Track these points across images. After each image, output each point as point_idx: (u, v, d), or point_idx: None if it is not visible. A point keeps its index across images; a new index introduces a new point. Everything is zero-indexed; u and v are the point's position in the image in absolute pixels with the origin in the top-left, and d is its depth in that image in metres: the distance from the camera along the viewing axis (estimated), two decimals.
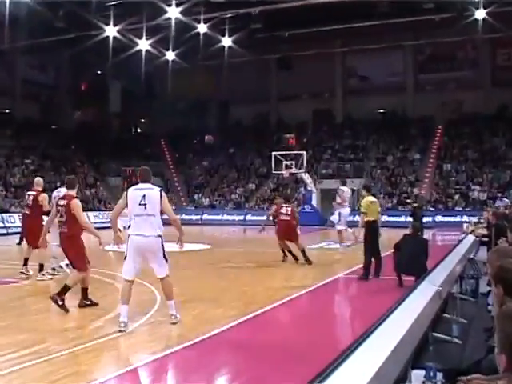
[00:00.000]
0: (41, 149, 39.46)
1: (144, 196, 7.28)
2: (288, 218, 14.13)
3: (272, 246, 15.23)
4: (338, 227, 17.52)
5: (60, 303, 8.14)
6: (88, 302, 8.59)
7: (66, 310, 8.17)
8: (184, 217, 36.86)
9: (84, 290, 8.65)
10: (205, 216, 36.67)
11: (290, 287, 10.68)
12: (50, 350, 6.24)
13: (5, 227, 26.02)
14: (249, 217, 34.74)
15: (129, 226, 7.41)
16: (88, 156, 41.94)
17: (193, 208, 39.05)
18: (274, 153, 34.23)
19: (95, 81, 47.68)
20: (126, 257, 7.36)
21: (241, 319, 7.84)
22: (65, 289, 8.28)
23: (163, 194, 7.52)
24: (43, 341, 6.67)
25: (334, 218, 17.90)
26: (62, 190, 12.72)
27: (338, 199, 17.85)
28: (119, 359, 6.24)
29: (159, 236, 7.38)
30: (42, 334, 7.04)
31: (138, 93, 46.15)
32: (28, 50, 39.22)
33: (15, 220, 27.28)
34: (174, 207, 38.38)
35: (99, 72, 46.72)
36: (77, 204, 8.75)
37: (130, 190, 7.47)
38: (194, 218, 36.41)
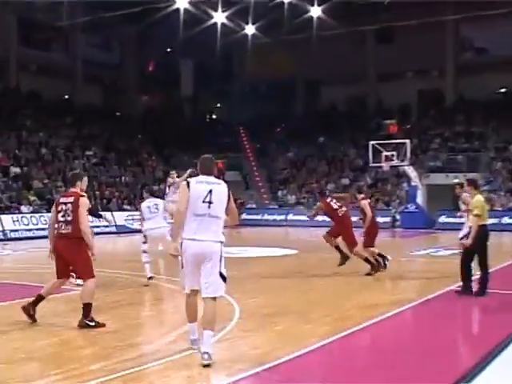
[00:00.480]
0: (104, 139, 40.66)
1: (210, 192, 6.78)
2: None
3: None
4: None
5: (92, 324, 8.37)
6: (92, 323, 8.43)
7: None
8: (266, 217, 37.15)
9: (87, 306, 8.52)
10: (290, 216, 36.75)
11: (389, 302, 10.56)
12: (115, 368, 6.44)
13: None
14: None
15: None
16: (156, 147, 42.90)
17: (276, 207, 39.23)
18: (371, 142, 33.91)
19: (164, 60, 48.60)
20: (182, 267, 6.92)
21: (332, 338, 7.82)
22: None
23: (230, 192, 7.05)
24: (109, 356, 6.89)
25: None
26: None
27: (463, 205, 14.00)
28: (192, 381, 6.36)
29: (221, 243, 6.82)
30: (108, 348, 7.28)
31: (212, 74, 46.74)
32: (89, 28, 40.41)
33: None
34: (254, 205, 39.27)
35: (169, 50, 47.56)
36: (86, 203, 8.76)
37: (192, 182, 6.89)
38: (278, 218, 36.61)
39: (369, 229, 14.13)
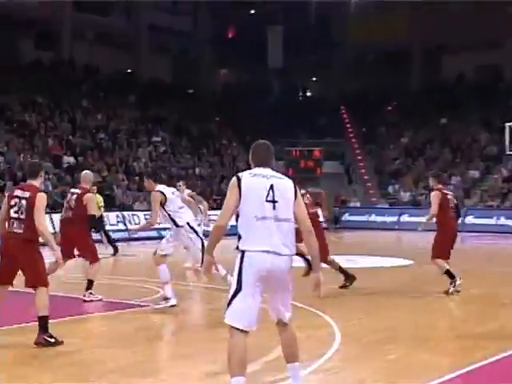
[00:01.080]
0: (173, 122, 41.15)
1: (272, 187, 6.25)
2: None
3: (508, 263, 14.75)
4: None
5: (52, 341, 8.71)
6: (52, 340, 8.78)
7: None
8: (374, 218, 36.86)
9: (43, 320, 8.88)
10: (404, 217, 36.29)
11: None
12: None
13: (127, 230, 27.35)
14: (469, 219, 33.86)
15: (238, 237, 6.23)
16: (237, 132, 43.10)
17: (386, 206, 38.86)
18: (508, 124, 33.15)
19: (247, 26, 48.70)
20: (236, 290, 6.17)
21: (458, 371, 7.62)
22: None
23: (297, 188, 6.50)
24: None
25: None
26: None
27: None
28: None
29: (293, 256, 6.38)
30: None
31: (307, 41, 46.63)
32: None
33: (140, 220, 28.79)
34: (358, 204, 39.04)
35: (252, 13, 47.69)
36: (43, 199, 8.92)
37: (245, 176, 6.35)
38: (389, 220, 36.22)
39: (438, 233, 13.66)
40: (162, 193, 11.46)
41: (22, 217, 8.71)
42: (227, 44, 49.34)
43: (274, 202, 6.16)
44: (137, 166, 35.05)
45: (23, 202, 8.74)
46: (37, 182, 9.07)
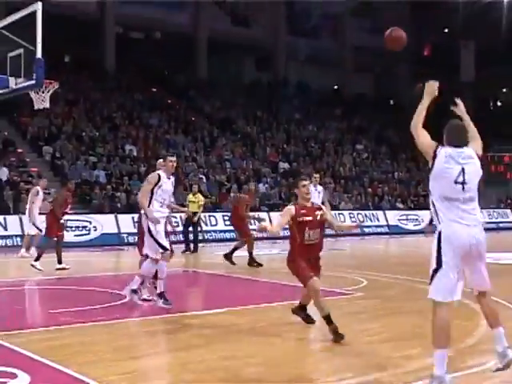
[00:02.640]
0: (375, 131, 40.95)
1: (463, 170, 6.01)
2: None
3: None
4: None
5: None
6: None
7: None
8: None
9: None
10: None
11: None
12: (390, 381, 6.43)
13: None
14: None
15: (431, 219, 6.19)
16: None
17: None
18: None
19: (442, 42, 47.74)
20: (435, 268, 5.99)
21: None
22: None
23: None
24: (383, 368, 6.88)
25: None
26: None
27: None
28: None
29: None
30: (381, 359, 7.28)
31: (497, 54, 45.00)
32: (359, 12, 40.98)
33: (345, 219, 28.86)
34: None
35: (446, 31, 46.67)
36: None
37: (442, 152, 6.17)
38: None
39: None
40: None
41: None
42: (424, 60, 48.50)
43: (463, 183, 5.97)
44: (342, 170, 35.16)
45: None
46: None
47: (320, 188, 17.59)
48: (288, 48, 42.77)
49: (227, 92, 38.96)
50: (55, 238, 15.21)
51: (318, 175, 18.15)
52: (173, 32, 39.17)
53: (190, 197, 20.47)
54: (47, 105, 10.86)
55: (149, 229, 9.72)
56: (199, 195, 20.69)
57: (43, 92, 10.64)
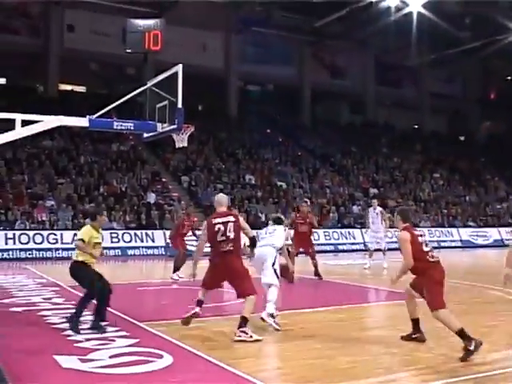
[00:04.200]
0: (449, 162, 39.93)
1: None
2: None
3: None
4: None
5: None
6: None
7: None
8: None
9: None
10: None
11: None
12: (463, 372, 6.22)
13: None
14: None
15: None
16: (499, 169, 40.79)
17: None
18: None
19: (504, 88, 46.31)
20: None
21: None
22: None
23: None
24: (456, 360, 6.66)
25: None
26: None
27: None
28: None
29: None
30: (454, 352, 7.03)
31: None
32: (435, 63, 40.33)
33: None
34: None
35: (508, 78, 45.26)
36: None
37: None
38: None
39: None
40: None
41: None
42: (490, 103, 47.06)
43: None
44: (422, 194, 34.46)
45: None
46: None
47: (378, 210, 17.51)
48: (376, 95, 42.40)
49: (327, 132, 38.90)
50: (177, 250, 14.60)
51: (375, 200, 18.38)
52: (282, 84, 39.56)
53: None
54: (185, 144, 11.13)
55: (274, 261, 8.78)
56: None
57: (182, 134, 10.91)
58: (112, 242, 21.69)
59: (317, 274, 14.54)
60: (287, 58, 39.36)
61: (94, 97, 30.13)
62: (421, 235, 7.37)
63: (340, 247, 26.33)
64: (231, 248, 7.83)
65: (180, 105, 9.37)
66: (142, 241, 22.66)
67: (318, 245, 24.60)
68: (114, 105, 9.80)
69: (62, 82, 33.94)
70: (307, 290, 13.21)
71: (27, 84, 33.53)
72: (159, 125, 9.98)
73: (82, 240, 8.20)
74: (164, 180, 28.04)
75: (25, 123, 9.28)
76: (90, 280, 8.22)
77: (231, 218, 8.04)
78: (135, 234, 22.74)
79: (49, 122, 9.44)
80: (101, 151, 28.41)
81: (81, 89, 36.04)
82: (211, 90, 36.14)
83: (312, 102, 40.29)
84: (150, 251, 22.31)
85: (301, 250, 14.76)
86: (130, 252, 22.11)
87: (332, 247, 25.98)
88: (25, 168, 25.38)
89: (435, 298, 6.94)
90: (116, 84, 33.33)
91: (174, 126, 9.69)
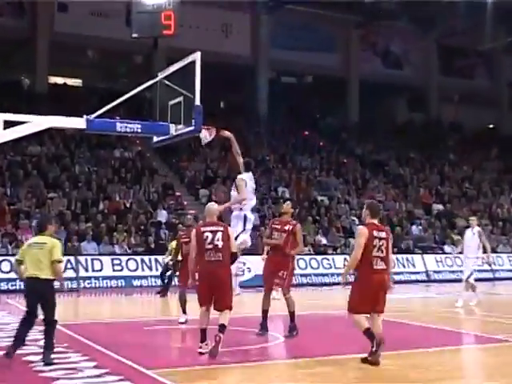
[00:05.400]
0: None
1: None
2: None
3: None
4: None
5: None
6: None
7: None
8: None
9: None
10: None
11: None
12: None
13: (491, 270, 26.59)
14: None
15: None
16: None
17: None
18: None
19: None
20: None
21: None
22: None
23: None
24: None
25: None
26: None
27: None
28: None
29: None
30: None
31: None
32: None
33: (504, 262, 27.99)
34: None
35: None
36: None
37: None
38: None
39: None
40: None
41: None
42: None
43: None
44: (500, 212, 34.05)
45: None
46: None
47: (476, 230, 17.21)
48: (440, 88, 42.14)
49: (379, 134, 38.80)
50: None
51: (474, 217, 17.75)
52: (324, 75, 39.46)
53: None
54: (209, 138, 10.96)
55: None
56: None
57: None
58: (114, 270, 21.58)
59: None
60: (330, 43, 39.42)
61: (93, 92, 30.47)
62: (380, 238, 8.63)
63: (396, 277, 26.10)
64: (219, 258, 9.31)
65: (198, 101, 9.42)
66: (151, 269, 22.63)
67: None
68: (117, 102, 9.87)
69: (53, 73, 34.26)
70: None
71: (10, 77, 33.81)
72: (172, 126, 10.02)
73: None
74: (178, 194, 28.15)
75: (8, 124, 9.39)
76: (55, 305, 8.79)
77: (220, 228, 9.52)
78: (142, 261, 22.72)
79: (37, 123, 9.54)
80: (100, 159, 28.65)
81: (76, 82, 36.46)
82: (236, 82, 36.32)
83: (361, 96, 40.19)
84: (159, 281, 22.30)
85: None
86: (135, 282, 22.05)
87: None
88: (7, 179, 25.59)
89: (352, 301, 8.67)
90: (119, 76, 33.68)
91: (191, 128, 9.72)
